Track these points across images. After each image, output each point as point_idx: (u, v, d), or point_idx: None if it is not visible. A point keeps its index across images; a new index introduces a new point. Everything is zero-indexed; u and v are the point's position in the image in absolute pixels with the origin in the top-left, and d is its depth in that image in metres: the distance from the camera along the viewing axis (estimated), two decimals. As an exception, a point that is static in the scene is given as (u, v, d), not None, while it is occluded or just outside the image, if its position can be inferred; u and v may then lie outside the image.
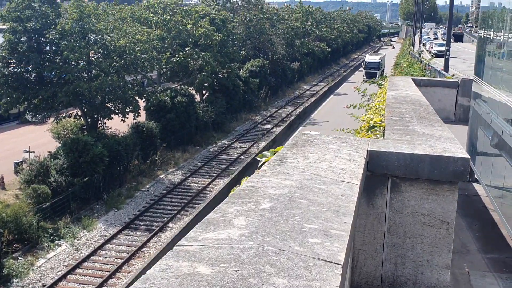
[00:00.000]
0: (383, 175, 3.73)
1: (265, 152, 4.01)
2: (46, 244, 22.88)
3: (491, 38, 8.20)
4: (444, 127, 4.98)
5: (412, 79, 13.99)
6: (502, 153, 6.36)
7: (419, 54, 51.35)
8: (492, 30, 8.27)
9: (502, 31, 7.24)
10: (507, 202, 6.07)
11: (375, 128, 4.94)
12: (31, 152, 30.73)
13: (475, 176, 8.77)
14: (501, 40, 7.30)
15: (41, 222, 23.34)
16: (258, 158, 3.93)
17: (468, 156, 3.69)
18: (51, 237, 23.25)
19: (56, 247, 22.94)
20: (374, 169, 3.71)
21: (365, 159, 3.54)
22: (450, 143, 4.15)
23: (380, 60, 63.68)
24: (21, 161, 29.28)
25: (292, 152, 3.56)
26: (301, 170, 2.96)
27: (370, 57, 67.01)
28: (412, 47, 71.91)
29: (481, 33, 9.51)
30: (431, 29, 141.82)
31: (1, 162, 29.69)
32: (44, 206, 23.68)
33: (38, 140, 34.20)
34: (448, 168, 3.63)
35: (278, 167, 3.06)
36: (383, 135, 4.65)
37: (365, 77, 54.58)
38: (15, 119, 38.73)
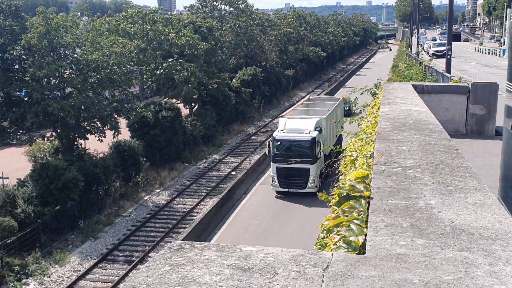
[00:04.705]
0: None
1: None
2: (12, 284, 20.51)
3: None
4: (486, 193, 2.56)
5: (413, 85, 11.60)
6: None
7: (417, 55, 49.13)
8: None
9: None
10: None
11: (353, 200, 2.54)
12: (4, 178, 28.49)
13: None
14: None
15: (6, 258, 20.93)
16: None
17: None
18: (18, 276, 20.88)
19: (23, 286, 20.55)
20: None
21: None
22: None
23: (318, 128, 26.96)
24: (-6, 188, 26.88)
25: None
26: None
27: (291, 122, 27.52)
28: (409, 49, 69.89)
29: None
30: (430, 29, 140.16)
31: (-26, 190, 27.28)
32: (9, 241, 21.25)
33: (16, 163, 31.94)
34: None
35: None
36: (366, 221, 2.25)
37: (276, 182, 26.67)
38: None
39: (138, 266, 22.19)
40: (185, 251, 1.84)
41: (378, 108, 7.10)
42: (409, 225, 2.16)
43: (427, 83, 14.76)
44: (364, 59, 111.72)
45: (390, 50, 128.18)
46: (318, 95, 61.70)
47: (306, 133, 26.48)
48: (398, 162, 3.25)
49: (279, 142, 26.67)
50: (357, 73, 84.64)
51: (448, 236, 2.03)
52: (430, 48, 66.19)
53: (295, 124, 27.39)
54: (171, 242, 19.21)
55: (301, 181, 26.07)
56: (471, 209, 2.35)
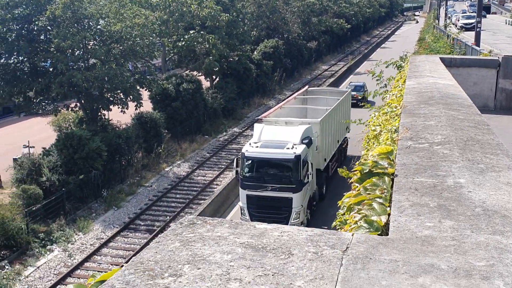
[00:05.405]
0: None
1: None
2: (37, 250, 21.02)
3: None
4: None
5: (440, 58, 11.24)
6: None
7: (445, 28, 47.72)
8: None
9: None
10: None
11: (376, 177, 2.41)
12: (31, 147, 28.95)
13: None
14: None
15: (32, 225, 21.44)
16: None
17: None
18: (43, 242, 21.40)
19: (48, 253, 21.06)
20: None
21: None
22: None
23: (307, 138, 20.39)
24: (21, 157, 27.44)
25: None
26: None
27: (270, 131, 20.55)
28: (437, 21, 68.06)
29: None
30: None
31: (2, 158, 27.98)
32: (34, 208, 21.72)
33: (42, 133, 32.45)
34: None
35: None
36: (390, 200, 2.12)
37: (246, 216, 20.16)
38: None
39: (159, 235, 22.52)
40: (196, 227, 1.75)
41: (404, 81, 6.87)
42: (436, 205, 2.02)
43: (455, 56, 14.33)
44: (389, 32, 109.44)
45: (417, 22, 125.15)
46: (340, 68, 60.66)
47: (288, 148, 19.21)
48: (425, 138, 3.09)
49: (250, 161, 19.57)
50: (382, 46, 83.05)
51: (479, 218, 1.88)
52: (458, 20, 64.33)
53: (274, 133, 20.11)
54: (191, 213, 19.13)
55: (280, 215, 19.32)
56: (504, 189, 2.19)
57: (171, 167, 30.30)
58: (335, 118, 24.35)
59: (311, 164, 19.98)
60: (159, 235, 1.79)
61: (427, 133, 3.22)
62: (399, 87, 6.79)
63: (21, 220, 20.90)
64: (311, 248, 1.60)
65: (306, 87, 33.93)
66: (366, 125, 5.50)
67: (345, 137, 27.34)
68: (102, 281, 1.68)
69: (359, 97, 36.38)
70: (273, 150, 19.37)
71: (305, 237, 1.68)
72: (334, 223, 2.99)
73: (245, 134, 36.55)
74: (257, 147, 19.60)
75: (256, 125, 21.31)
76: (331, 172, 23.99)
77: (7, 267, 19.49)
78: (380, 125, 4.29)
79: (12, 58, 27.05)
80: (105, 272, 1.95)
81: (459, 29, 49.83)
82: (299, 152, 19.09)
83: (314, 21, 62.43)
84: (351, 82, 43.05)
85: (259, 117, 23.17)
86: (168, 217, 24.16)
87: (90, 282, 1.79)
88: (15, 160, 25.83)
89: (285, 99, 35.43)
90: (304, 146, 19.56)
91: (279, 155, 19.23)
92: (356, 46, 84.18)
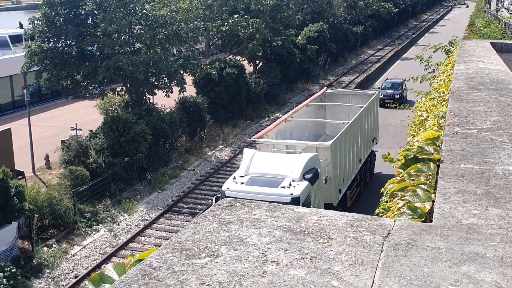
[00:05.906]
0: None
1: (108, 268, 1.70)
2: (83, 230, 21.73)
3: None
4: None
5: (491, 43, 10.77)
6: None
7: (497, 12, 45.85)
8: None
9: None
10: None
11: (421, 163, 2.34)
12: (78, 129, 29.83)
13: None
14: None
15: (79, 205, 22.17)
16: (89, 286, 1.53)
17: None
18: (89, 222, 22.09)
19: (94, 232, 21.75)
20: None
21: None
22: None
23: (311, 171, 15.43)
24: (68, 139, 28.33)
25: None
26: None
27: (262, 160, 15.64)
28: (488, 5, 65.53)
29: None
30: None
31: (51, 140, 28.95)
32: (81, 189, 22.43)
33: (89, 116, 33.35)
34: None
35: None
36: (435, 186, 2.06)
37: None
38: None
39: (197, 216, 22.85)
40: (234, 209, 1.75)
41: (452, 66, 6.65)
42: (483, 192, 1.95)
43: (507, 41, 13.73)
44: (438, 16, 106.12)
45: (467, 6, 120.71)
46: (387, 53, 59.20)
47: (284, 186, 14.57)
48: (473, 124, 2.98)
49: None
50: (430, 31, 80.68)
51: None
52: (511, 5, 61.72)
53: (268, 163, 15.38)
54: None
55: None
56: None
57: (213, 151, 30.61)
58: (356, 133, 19.96)
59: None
60: (198, 216, 1.80)
61: (475, 119, 3.11)
62: (447, 72, 6.58)
63: (68, 200, 21.63)
64: (351, 233, 1.57)
65: (324, 89, 28.89)
66: (412, 111, 5.38)
67: (372, 151, 22.93)
68: (141, 260, 1.70)
69: (396, 97, 35.35)
70: (263, 189, 14.41)
71: (345, 222, 1.65)
72: (377, 210, 2.94)
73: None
74: (242, 183, 14.93)
75: (245, 150, 16.88)
76: (350, 203, 19.49)
77: (54, 245, 20.23)
78: (427, 111, 4.18)
79: (60, 42, 27.79)
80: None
81: (511, 13, 47.71)
82: (297, 194, 14.23)
83: (361, 5, 61.24)
84: (387, 79, 39.92)
85: (252, 138, 18.49)
86: (210, 200, 24.47)
87: (129, 261, 1.82)
88: (63, 142, 26.68)
89: (329, 84, 34.05)
90: (306, 183, 14.73)
91: (271, 196, 13.65)
92: (403, 31, 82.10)
